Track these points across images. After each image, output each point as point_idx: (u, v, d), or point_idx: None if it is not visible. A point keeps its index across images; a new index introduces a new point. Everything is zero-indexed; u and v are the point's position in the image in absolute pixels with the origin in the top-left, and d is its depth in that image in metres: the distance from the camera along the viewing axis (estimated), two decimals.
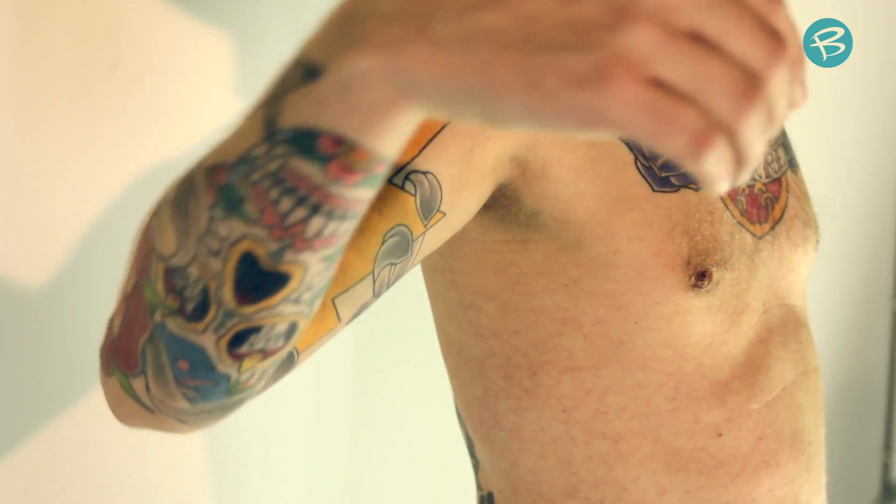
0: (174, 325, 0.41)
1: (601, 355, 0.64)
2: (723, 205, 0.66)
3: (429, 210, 0.55)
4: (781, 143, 0.76)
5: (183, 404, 0.44)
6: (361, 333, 1.16)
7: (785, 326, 0.70)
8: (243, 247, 0.38)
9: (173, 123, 0.92)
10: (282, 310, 0.41)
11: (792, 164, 0.76)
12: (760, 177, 0.70)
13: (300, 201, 0.37)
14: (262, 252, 0.38)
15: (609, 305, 0.63)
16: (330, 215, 0.37)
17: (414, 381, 1.20)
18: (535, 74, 0.31)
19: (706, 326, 0.64)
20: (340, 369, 1.16)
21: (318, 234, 0.38)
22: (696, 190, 0.65)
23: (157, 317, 0.42)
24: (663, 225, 0.63)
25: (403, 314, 1.16)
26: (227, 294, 0.39)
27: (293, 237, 0.38)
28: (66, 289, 0.86)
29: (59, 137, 0.83)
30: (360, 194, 0.38)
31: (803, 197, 0.75)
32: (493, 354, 0.67)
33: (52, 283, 0.85)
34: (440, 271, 0.68)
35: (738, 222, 0.67)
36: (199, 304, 0.40)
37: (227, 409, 0.46)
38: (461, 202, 0.57)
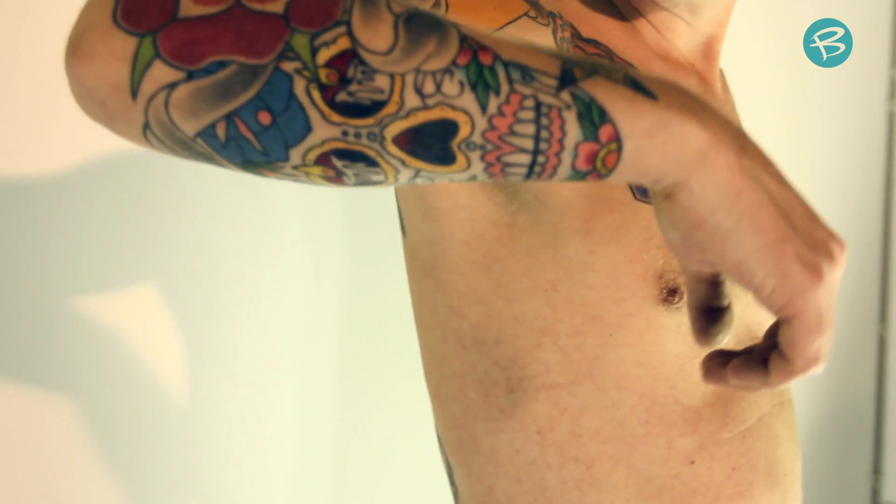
0: (303, 91, 0.38)
1: (577, 371, 0.65)
2: None
3: None
4: None
5: (189, 130, 0.40)
6: (345, 336, 1.16)
7: None
8: (453, 115, 0.39)
9: (163, 169, 0.92)
10: (405, 172, 0.40)
11: None
12: None
13: (536, 139, 0.40)
14: (464, 134, 0.39)
15: (585, 315, 0.64)
16: (531, 166, 0.40)
17: (399, 383, 1.20)
18: (782, 236, 0.43)
19: (678, 347, 0.65)
20: (325, 373, 1.16)
21: (508, 165, 0.40)
22: None
23: (288, 66, 0.38)
24: (640, 234, 0.64)
25: (388, 315, 1.16)
26: (396, 128, 0.39)
27: (494, 149, 0.40)
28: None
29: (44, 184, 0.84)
30: (560, 175, 0.41)
31: None
32: (474, 369, 0.67)
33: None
34: (429, 272, 0.68)
35: None
36: (355, 105, 0.38)
37: (198, 160, 0.42)
38: None
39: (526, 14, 0.61)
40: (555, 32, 0.63)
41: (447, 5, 0.56)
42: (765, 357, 0.47)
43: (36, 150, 0.85)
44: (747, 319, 0.70)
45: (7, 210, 0.84)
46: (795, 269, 0.43)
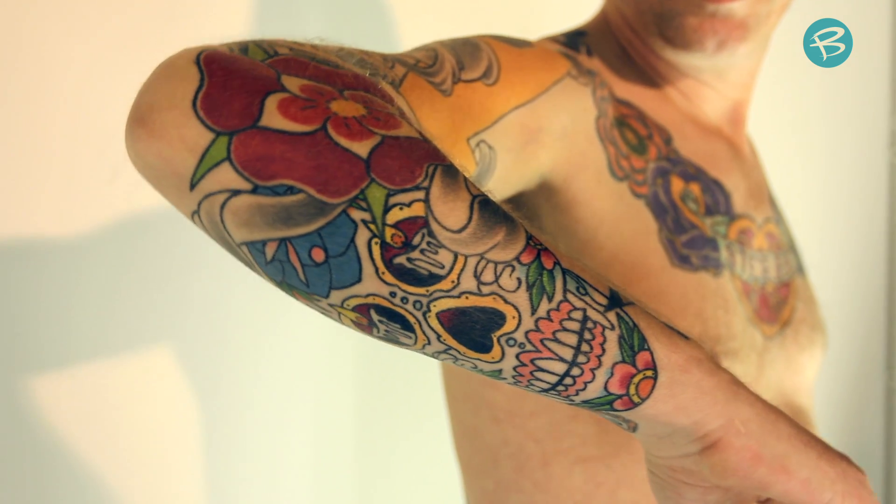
0: (364, 243, 0.37)
1: (613, 443, 0.63)
2: (737, 298, 0.66)
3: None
4: (791, 247, 0.77)
5: (238, 237, 0.38)
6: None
7: None
8: (503, 308, 0.38)
9: (173, 231, 0.92)
10: (436, 345, 0.40)
11: (800, 268, 0.77)
12: (772, 279, 0.70)
13: (577, 350, 0.39)
14: (508, 329, 0.39)
15: None
16: (564, 376, 0.40)
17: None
18: (819, 442, 0.44)
19: None
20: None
21: (539, 370, 0.40)
22: (715, 276, 0.65)
23: (357, 214, 0.37)
24: (677, 301, 0.63)
25: (406, 378, 1.14)
26: (443, 304, 0.38)
27: (533, 350, 0.39)
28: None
29: (61, 246, 0.83)
30: (588, 394, 0.41)
31: (810, 301, 0.76)
32: (507, 442, 0.66)
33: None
34: None
35: (750, 319, 0.67)
36: (412, 272, 0.38)
37: (237, 259, 0.41)
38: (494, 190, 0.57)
39: (568, 74, 0.61)
40: (594, 92, 0.64)
41: (499, 67, 0.56)
42: None
43: (45, 205, 0.84)
44: (782, 386, 0.69)
45: (11, 267, 0.83)
46: (846, 467, 0.44)
